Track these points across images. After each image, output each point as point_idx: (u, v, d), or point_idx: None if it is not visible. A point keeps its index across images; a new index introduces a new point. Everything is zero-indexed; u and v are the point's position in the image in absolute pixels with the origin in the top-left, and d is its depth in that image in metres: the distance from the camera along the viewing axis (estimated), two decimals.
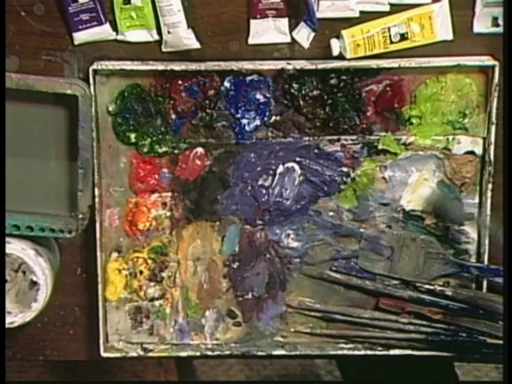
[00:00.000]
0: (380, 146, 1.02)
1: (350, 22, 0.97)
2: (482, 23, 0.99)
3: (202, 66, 0.98)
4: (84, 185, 1.00)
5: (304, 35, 0.98)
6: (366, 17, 0.97)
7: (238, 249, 1.06)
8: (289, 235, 1.05)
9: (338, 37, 0.97)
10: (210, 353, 1.07)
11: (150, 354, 1.07)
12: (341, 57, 0.98)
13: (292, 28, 0.99)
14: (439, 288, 1.04)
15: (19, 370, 1.67)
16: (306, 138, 1.03)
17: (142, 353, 1.07)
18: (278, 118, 1.02)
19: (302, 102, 1.01)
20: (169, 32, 0.97)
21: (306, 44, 0.99)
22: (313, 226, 1.05)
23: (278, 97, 1.01)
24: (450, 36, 0.98)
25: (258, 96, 1.01)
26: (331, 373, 1.90)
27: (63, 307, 1.09)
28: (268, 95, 1.01)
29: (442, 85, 1.00)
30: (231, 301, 1.07)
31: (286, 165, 1.03)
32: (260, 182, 1.04)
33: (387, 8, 0.97)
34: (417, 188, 1.04)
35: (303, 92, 1.00)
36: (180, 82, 1.00)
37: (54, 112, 1.01)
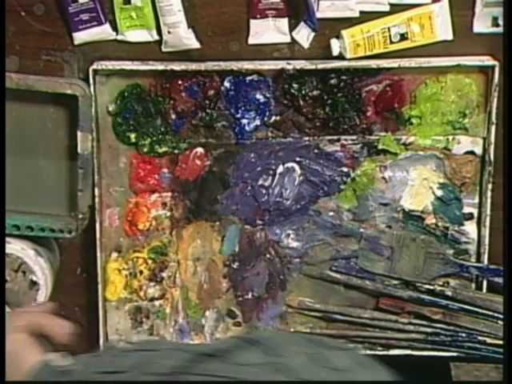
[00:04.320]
0: (380, 146, 1.02)
1: (350, 22, 0.97)
2: (482, 23, 0.99)
3: (202, 66, 0.98)
4: (84, 185, 1.00)
5: (304, 35, 0.98)
6: (366, 17, 0.97)
7: (237, 249, 1.05)
8: (289, 235, 1.05)
9: (338, 37, 0.97)
10: None
11: None
12: (341, 57, 0.98)
13: (292, 28, 0.99)
14: (439, 288, 1.04)
15: None
16: (306, 138, 1.03)
17: None
18: (277, 118, 1.02)
19: (302, 102, 1.01)
20: (169, 32, 0.97)
21: (306, 44, 0.99)
22: (313, 226, 1.05)
23: (278, 97, 1.01)
24: (449, 36, 0.98)
25: (258, 96, 1.01)
26: None
27: (63, 307, 1.08)
28: (268, 95, 1.01)
29: (442, 85, 1.00)
30: (231, 301, 1.07)
31: (286, 165, 1.03)
32: (260, 182, 1.04)
33: (387, 8, 0.97)
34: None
35: (303, 92, 1.00)
36: (180, 82, 1.00)
37: (54, 112, 1.01)
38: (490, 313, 1.03)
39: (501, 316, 1.02)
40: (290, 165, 1.04)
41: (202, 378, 0.60)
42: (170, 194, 1.04)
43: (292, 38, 0.99)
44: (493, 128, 1.00)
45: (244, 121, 1.02)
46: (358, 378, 0.61)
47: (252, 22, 0.99)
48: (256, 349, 0.64)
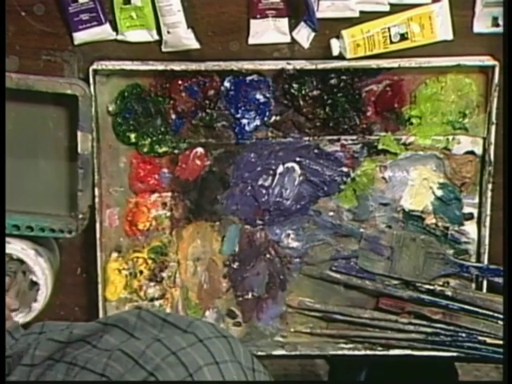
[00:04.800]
0: (380, 146, 1.02)
1: (350, 22, 0.97)
2: (482, 23, 0.99)
3: (202, 66, 0.98)
4: (84, 185, 1.00)
5: (304, 35, 0.98)
6: (366, 17, 0.97)
7: (237, 249, 1.06)
8: (289, 235, 1.05)
9: (338, 37, 0.97)
10: None
11: None
12: (341, 57, 0.98)
13: (292, 28, 0.99)
14: (439, 288, 1.04)
15: None
16: (306, 138, 1.03)
17: None
18: (277, 118, 1.02)
19: (302, 102, 1.01)
20: (169, 32, 0.97)
21: (306, 44, 0.99)
22: (313, 226, 1.05)
23: (278, 97, 1.01)
24: (449, 36, 0.98)
25: (258, 96, 1.01)
26: None
27: (63, 307, 1.08)
28: (268, 95, 1.01)
29: (442, 85, 1.00)
30: (231, 301, 1.07)
31: (286, 165, 1.03)
32: (260, 182, 1.04)
33: (387, 8, 0.97)
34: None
35: (303, 92, 1.00)
36: (180, 82, 1.00)
37: (54, 112, 1.01)
38: (490, 313, 1.03)
39: (501, 316, 1.02)
40: (290, 165, 1.04)
41: (65, 365, 0.67)
42: (169, 194, 1.04)
43: (292, 38, 0.99)
44: (493, 128, 1.00)
45: (244, 121, 1.02)
46: (186, 358, 0.65)
47: (252, 21, 0.99)
48: (117, 331, 0.69)
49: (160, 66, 0.98)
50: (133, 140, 1.02)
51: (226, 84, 1.00)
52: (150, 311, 0.74)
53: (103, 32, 0.99)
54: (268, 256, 1.06)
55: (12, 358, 0.72)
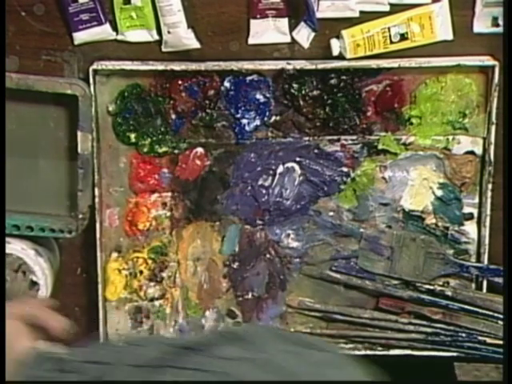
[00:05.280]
0: (380, 146, 1.02)
1: (350, 22, 0.97)
2: (482, 23, 0.99)
3: (202, 66, 0.98)
4: (84, 185, 1.00)
5: (304, 35, 0.98)
6: (366, 17, 0.97)
7: (237, 249, 1.05)
8: (289, 235, 1.05)
9: (338, 37, 0.97)
10: None
11: None
12: (341, 57, 0.97)
13: (292, 28, 0.99)
14: (439, 288, 1.04)
15: None
16: (306, 138, 1.03)
17: None
18: (277, 118, 1.02)
19: (302, 102, 1.01)
20: (169, 32, 0.97)
21: (305, 44, 0.99)
22: (313, 226, 1.05)
23: (278, 97, 1.01)
24: (450, 36, 0.98)
25: (258, 96, 1.01)
26: None
27: (63, 307, 1.08)
28: (268, 95, 1.01)
29: (442, 85, 1.00)
30: (231, 301, 1.07)
31: (286, 165, 1.03)
32: (260, 182, 1.04)
33: (387, 8, 0.97)
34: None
35: (303, 92, 1.00)
36: (180, 82, 1.00)
37: (54, 112, 1.01)
38: (490, 313, 1.03)
39: (501, 316, 1.02)
40: (290, 165, 1.04)
41: (185, 371, 0.60)
42: (169, 194, 1.04)
43: (292, 38, 0.99)
44: (493, 128, 1.00)
45: (244, 121, 1.02)
46: (317, 372, 0.61)
47: (252, 21, 0.99)
48: (237, 343, 0.64)
49: (160, 66, 0.98)
50: (133, 140, 1.02)
51: (226, 84, 1.00)
52: (256, 325, 0.70)
53: (103, 32, 0.99)
54: (268, 256, 1.06)
55: (113, 363, 0.67)
